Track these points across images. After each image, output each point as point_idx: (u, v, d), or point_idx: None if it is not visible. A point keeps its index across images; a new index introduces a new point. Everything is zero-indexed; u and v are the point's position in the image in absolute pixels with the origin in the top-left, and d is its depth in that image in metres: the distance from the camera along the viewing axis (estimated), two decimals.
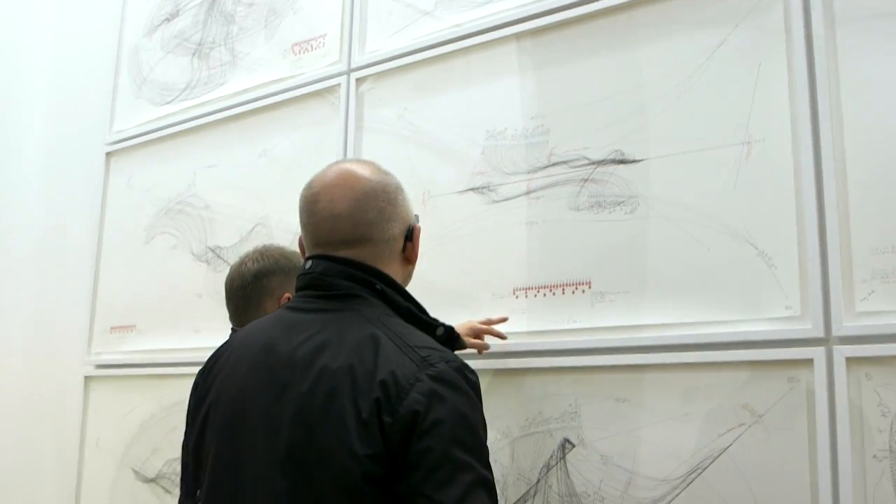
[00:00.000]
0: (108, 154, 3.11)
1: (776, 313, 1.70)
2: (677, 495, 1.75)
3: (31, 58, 3.30)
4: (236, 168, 2.71)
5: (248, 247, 2.46)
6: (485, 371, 2.04)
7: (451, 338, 1.49)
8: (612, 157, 1.94)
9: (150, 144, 2.98)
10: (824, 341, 1.63)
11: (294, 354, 1.29)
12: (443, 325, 1.46)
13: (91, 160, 3.13)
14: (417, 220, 1.51)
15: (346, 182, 1.41)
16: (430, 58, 2.29)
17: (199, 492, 1.39)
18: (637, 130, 1.92)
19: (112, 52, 3.20)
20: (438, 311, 2.11)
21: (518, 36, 2.13)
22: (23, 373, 3.05)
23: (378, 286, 1.37)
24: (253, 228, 2.62)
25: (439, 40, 2.27)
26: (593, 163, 1.97)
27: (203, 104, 2.84)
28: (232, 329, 1.94)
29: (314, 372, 1.25)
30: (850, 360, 1.60)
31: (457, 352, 1.47)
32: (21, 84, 3.26)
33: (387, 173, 1.48)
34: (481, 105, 2.18)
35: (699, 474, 1.73)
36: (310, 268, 1.40)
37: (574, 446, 1.90)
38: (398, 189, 1.46)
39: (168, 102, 2.98)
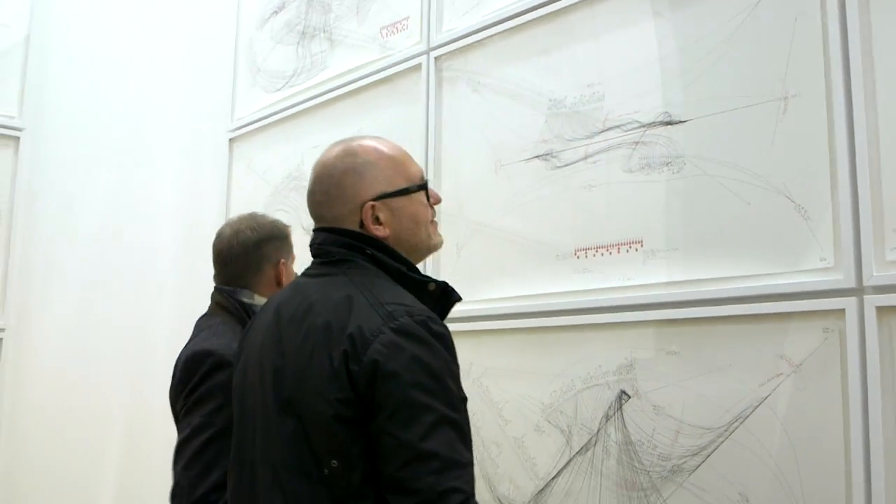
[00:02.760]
0: (231, 140, 3.41)
1: (811, 265, 1.73)
2: (721, 443, 1.82)
3: (162, 59, 3.64)
4: None
5: None
6: (549, 328, 2.17)
7: (445, 292, 1.58)
8: (660, 119, 2.01)
9: (265, 129, 3.25)
10: (856, 291, 1.66)
11: (294, 314, 1.48)
12: (434, 280, 1.56)
13: (217, 147, 3.44)
14: (424, 189, 1.59)
15: (314, 168, 1.59)
16: (498, 33, 2.40)
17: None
18: (682, 91, 1.98)
19: (231, 46, 3.50)
20: (506, 272, 2.26)
21: (574, 7, 2.21)
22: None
23: (369, 251, 1.50)
24: None
25: (505, 15, 2.38)
26: (643, 125, 2.04)
27: (307, 89, 3.07)
28: (214, 288, 2.08)
29: (304, 328, 1.44)
30: (881, 310, 1.62)
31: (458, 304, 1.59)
32: (155, 83, 3.61)
33: (348, 154, 1.56)
34: (545, 75, 2.28)
35: (741, 423, 1.79)
36: (312, 240, 1.58)
37: (630, 397, 1.99)
38: (345, 173, 1.53)
39: (279, 89, 3.23)
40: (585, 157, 2.15)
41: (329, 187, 1.55)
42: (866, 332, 1.63)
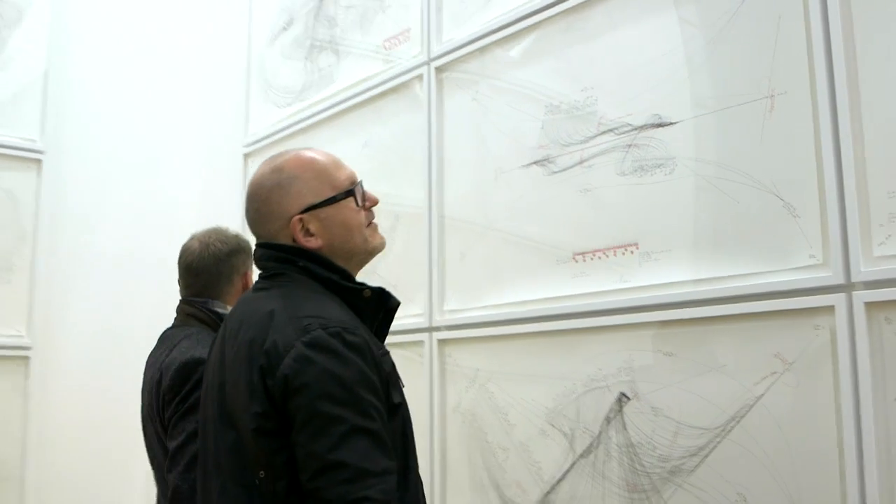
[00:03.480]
0: (246, 155, 3.48)
1: (801, 262, 1.73)
2: (718, 443, 1.82)
3: (177, 79, 3.74)
4: (345, 159, 2.93)
5: None
6: (550, 332, 2.19)
7: (381, 298, 1.60)
8: (651, 121, 2.02)
9: (278, 144, 3.30)
10: (845, 287, 1.65)
11: (231, 329, 1.55)
12: (369, 287, 1.58)
13: (232, 162, 3.50)
14: (353, 194, 1.59)
15: (246, 188, 1.64)
16: (495, 41, 2.43)
17: None
18: (672, 93, 1.98)
19: (243, 64, 3.57)
20: (509, 278, 2.28)
21: (566, 13, 2.23)
22: None
23: (301, 263, 1.54)
24: None
25: (502, 23, 2.40)
26: (635, 128, 2.05)
27: (316, 102, 3.12)
28: (180, 301, 2.16)
29: (237, 344, 1.49)
30: (870, 305, 1.61)
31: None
32: (170, 103, 3.71)
33: (274, 171, 1.59)
34: (540, 82, 2.30)
35: (737, 423, 1.79)
36: (254, 255, 1.64)
37: (629, 399, 2.00)
38: (271, 190, 1.57)
39: (289, 104, 3.28)
40: (581, 162, 2.16)
41: (259, 205, 1.59)
42: (856, 327, 1.62)
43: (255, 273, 1.73)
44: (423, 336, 2.55)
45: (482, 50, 2.48)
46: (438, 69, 2.61)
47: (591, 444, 2.07)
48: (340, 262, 1.57)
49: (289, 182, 1.56)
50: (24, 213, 3.38)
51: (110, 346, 3.46)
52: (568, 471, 2.11)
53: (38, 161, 3.40)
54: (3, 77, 3.39)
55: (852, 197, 1.65)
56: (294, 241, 1.56)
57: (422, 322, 2.56)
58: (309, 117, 3.14)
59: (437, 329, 2.52)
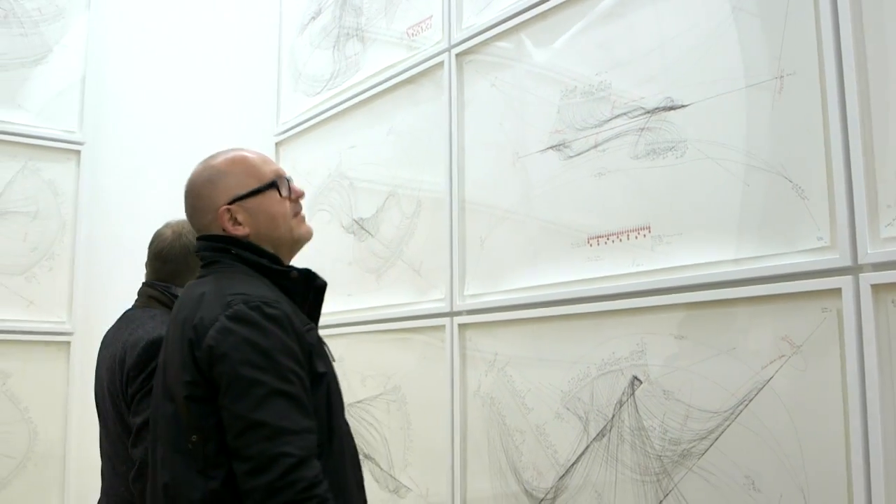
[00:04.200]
0: (277, 144, 3.53)
1: (809, 244, 1.72)
2: (728, 427, 1.82)
3: (210, 70, 3.79)
4: (370, 146, 3.00)
5: (385, 216, 2.78)
6: (565, 316, 2.20)
7: (307, 278, 1.73)
8: (663, 104, 2.01)
9: (307, 132, 3.35)
10: (852, 270, 1.64)
11: (174, 313, 1.70)
12: (296, 269, 1.72)
13: (264, 151, 3.51)
14: (277, 187, 1.72)
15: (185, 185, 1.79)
16: (513, 27, 2.43)
17: None
18: (684, 76, 1.97)
19: (274, 53, 3.62)
20: (526, 262, 2.29)
21: None
22: None
23: (234, 250, 1.68)
24: (385, 200, 2.89)
25: (519, 9, 2.40)
26: (648, 112, 2.04)
27: (344, 90, 3.16)
28: (143, 284, 2.27)
29: (176, 325, 1.64)
30: (876, 287, 1.60)
31: None
32: (204, 94, 3.76)
33: (205, 169, 1.75)
34: (557, 67, 2.30)
35: (746, 406, 1.79)
36: (195, 246, 1.79)
37: (641, 383, 2.00)
38: (203, 185, 1.72)
39: (318, 93, 3.32)
40: (595, 146, 2.16)
41: (193, 200, 1.75)
42: (862, 310, 1.61)
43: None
44: (445, 321, 2.57)
45: (500, 35, 2.48)
46: (459, 55, 2.62)
47: (604, 428, 2.08)
48: (269, 250, 1.71)
49: (218, 177, 1.71)
50: (64, 203, 3.46)
51: None
52: (582, 454, 2.12)
53: (77, 152, 3.48)
54: (43, 71, 3.47)
55: (860, 178, 1.63)
56: (224, 230, 1.69)
57: (443, 307, 2.59)
58: (337, 105, 3.18)
59: (458, 314, 2.54)
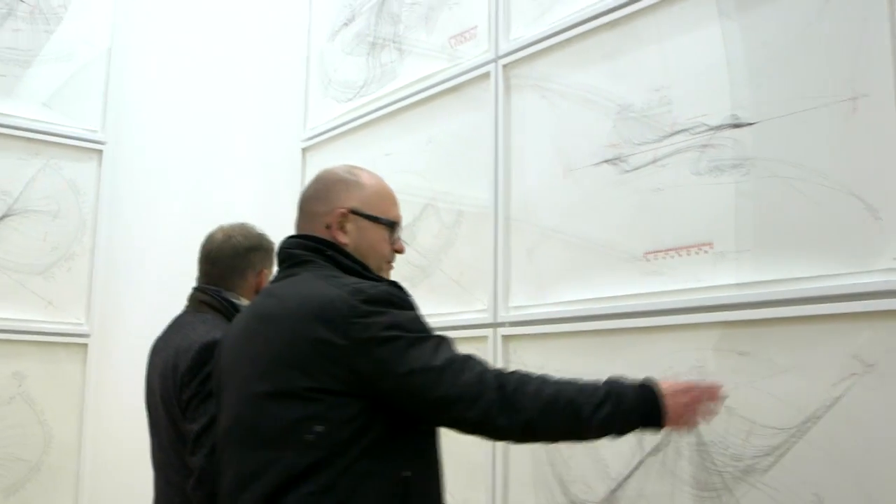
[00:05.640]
0: (304, 150, 3.51)
1: (883, 265, 1.73)
2: (795, 443, 1.82)
3: (236, 73, 3.78)
4: (408, 155, 2.99)
5: (422, 225, 2.76)
6: (620, 330, 2.20)
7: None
8: (728, 121, 2.02)
9: (338, 138, 3.33)
10: None
11: (266, 310, 1.68)
12: (388, 281, 1.70)
13: (290, 156, 3.53)
14: (393, 229, 1.78)
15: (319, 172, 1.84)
16: (566, 40, 2.44)
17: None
18: (750, 94, 1.99)
19: (303, 58, 3.60)
20: (576, 275, 2.29)
21: (640, 13, 2.24)
22: None
23: (328, 252, 1.69)
24: (424, 209, 2.88)
25: (572, 23, 2.41)
26: (711, 128, 2.05)
27: (377, 98, 3.15)
28: (194, 288, 2.25)
29: (277, 319, 1.62)
30: None
31: None
32: (229, 96, 3.75)
33: (347, 171, 1.79)
34: (612, 80, 2.31)
35: (814, 423, 1.80)
36: (281, 245, 1.79)
37: None
38: (338, 181, 1.77)
39: (350, 99, 3.31)
40: (654, 161, 2.17)
41: (320, 186, 1.78)
42: None
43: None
44: (488, 332, 2.56)
45: (551, 49, 2.49)
46: (506, 67, 2.62)
47: (660, 443, 2.08)
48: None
49: (354, 184, 1.77)
50: (84, 203, 3.43)
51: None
52: (636, 468, 2.12)
53: (99, 151, 3.45)
54: (66, 69, 3.44)
55: None
56: (328, 228, 1.72)
57: (486, 318, 2.58)
58: (370, 112, 3.16)
59: (502, 325, 2.54)
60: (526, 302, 2.49)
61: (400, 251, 1.81)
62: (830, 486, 1.76)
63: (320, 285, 1.59)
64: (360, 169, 1.81)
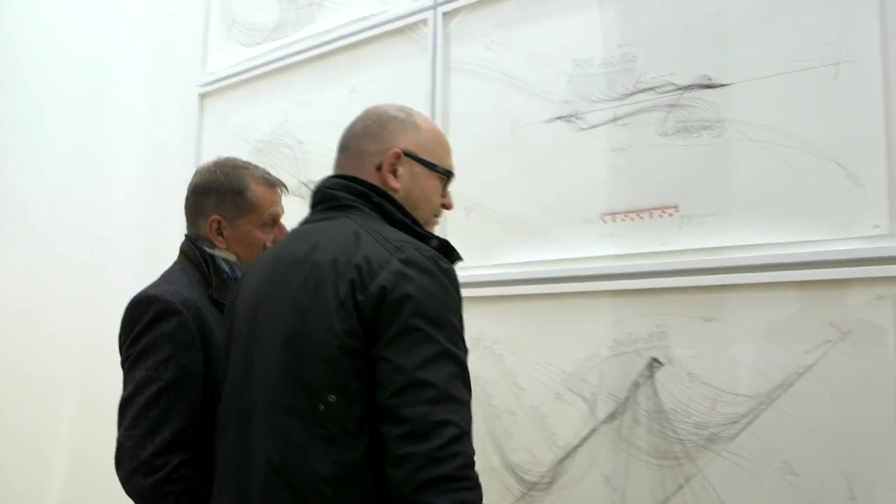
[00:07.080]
0: (202, 95, 3.23)
1: (864, 232, 1.72)
2: (763, 411, 1.80)
3: (127, 5, 3.43)
4: (327, 105, 2.79)
5: None
6: (570, 294, 2.12)
7: (446, 250, 1.55)
8: (698, 81, 1.97)
9: (242, 85, 3.09)
10: None
11: (295, 256, 1.47)
12: (437, 237, 1.56)
13: (185, 102, 3.25)
14: (447, 180, 1.64)
15: (366, 109, 1.66)
16: None
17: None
18: (723, 54, 1.94)
19: None
20: (525, 236, 2.20)
21: None
22: None
23: (376, 199, 1.52)
24: None
25: None
26: (680, 88, 1.99)
27: (293, 43, 2.92)
28: (185, 236, 1.91)
29: (307, 267, 1.42)
30: None
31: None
32: (119, 31, 3.41)
33: (402, 111, 1.62)
34: (567, 35, 2.21)
35: (785, 391, 1.78)
36: (319, 184, 1.59)
37: (662, 365, 1.96)
38: (393, 119, 1.59)
39: (258, 43, 3.07)
40: (614, 120, 2.09)
41: (371, 122, 1.60)
42: None
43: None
44: None
45: None
46: (446, 14, 2.48)
47: (615, 410, 2.02)
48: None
49: (410, 125, 1.60)
50: None
51: (45, 291, 3.19)
52: (587, 437, 2.06)
53: None
54: None
55: None
56: (378, 169, 1.55)
57: None
58: (282, 58, 2.94)
59: None
60: (464, 264, 2.37)
61: (448, 207, 1.66)
62: (800, 454, 1.75)
63: (368, 242, 1.40)
64: (413, 109, 1.64)
